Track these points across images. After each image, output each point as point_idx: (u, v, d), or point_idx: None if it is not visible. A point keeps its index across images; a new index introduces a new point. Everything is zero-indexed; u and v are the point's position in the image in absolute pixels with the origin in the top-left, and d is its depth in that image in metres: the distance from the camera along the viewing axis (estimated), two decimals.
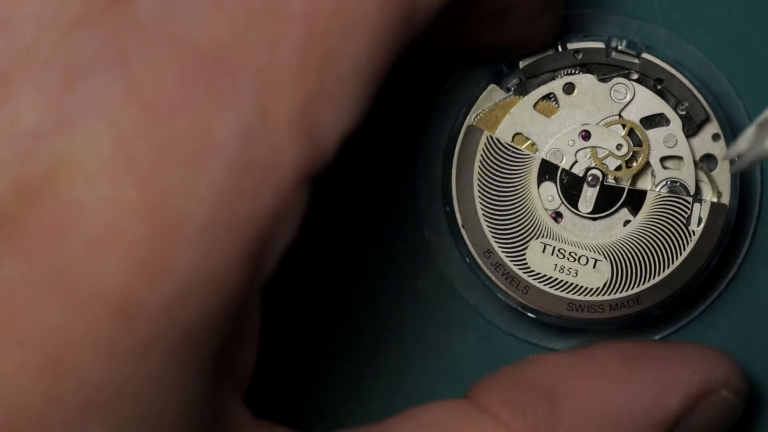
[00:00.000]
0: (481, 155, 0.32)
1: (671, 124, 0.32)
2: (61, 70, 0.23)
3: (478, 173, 0.32)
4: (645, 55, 0.32)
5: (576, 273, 0.32)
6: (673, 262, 0.32)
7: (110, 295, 0.22)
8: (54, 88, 0.23)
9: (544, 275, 0.32)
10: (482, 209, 0.32)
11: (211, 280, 0.23)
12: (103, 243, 0.22)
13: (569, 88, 0.32)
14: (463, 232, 0.32)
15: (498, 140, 0.32)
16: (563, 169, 0.32)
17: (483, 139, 0.32)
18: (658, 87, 0.32)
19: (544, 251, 0.32)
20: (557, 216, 0.32)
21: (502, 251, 0.32)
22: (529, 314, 0.32)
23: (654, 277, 0.32)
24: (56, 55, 0.23)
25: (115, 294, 0.22)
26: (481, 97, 0.32)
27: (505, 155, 0.32)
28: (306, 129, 0.24)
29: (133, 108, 0.23)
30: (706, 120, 0.32)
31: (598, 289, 0.32)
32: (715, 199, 0.32)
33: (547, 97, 0.32)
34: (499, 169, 0.32)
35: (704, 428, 0.30)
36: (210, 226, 0.23)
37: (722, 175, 0.32)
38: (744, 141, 0.25)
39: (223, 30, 0.23)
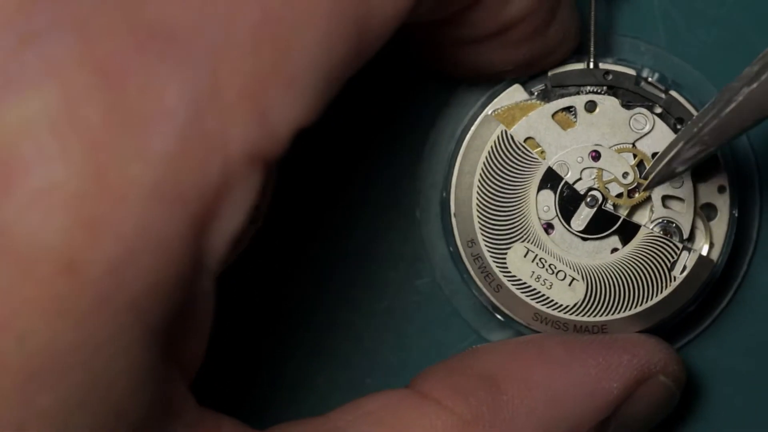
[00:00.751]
0: (491, 147, 0.32)
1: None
2: (15, 32, 0.23)
3: (483, 163, 0.32)
4: (672, 92, 0.32)
5: (551, 286, 0.32)
6: (647, 302, 0.32)
7: (54, 252, 0.22)
8: (6, 48, 0.23)
9: (519, 279, 0.32)
10: (477, 199, 0.32)
11: (155, 245, 0.23)
12: (47, 200, 0.22)
13: (591, 106, 0.32)
14: (453, 220, 0.32)
15: (512, 137, 0.32)
16: (566, 183, 0.32)
17: (497, 132, 0.32)
18: (678, 126, 0.32)
19: (525, 256, 0.32)
20: (549, 227, 0.32)
21: (485, 244, 0.32)
22: (498, 315, 0.32)
23: (625, 311, 0.32)
24: (12, 18, 0.23)
25: (59, 252, 0.22)
26: (504, 93, 0.32)
27: (514, 153, 0.32)
28: (258, 109, 0.24)
29: (85, 71, 0.23)
30: (717, 170, 0.32)
31: (567, 307, 0.32)
32: (705, 251, 0.32)
33: (568, 109, 0.32)
34: (504, 164, 0.32)
35: (643, 413, 0.30)
36: (156, 190, 0.23)
37: (719, 227, 0.32)
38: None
39: (178, 10, 0.23)
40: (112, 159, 0.23)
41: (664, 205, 0.32)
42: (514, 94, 0.32)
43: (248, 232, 0.31)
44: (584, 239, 0.32)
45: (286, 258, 0.34)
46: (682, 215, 0.32)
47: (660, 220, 0.32)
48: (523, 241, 0.32)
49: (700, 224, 0.32)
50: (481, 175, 0.32)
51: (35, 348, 0.23)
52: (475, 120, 0.32)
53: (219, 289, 0.32)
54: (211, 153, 0.24)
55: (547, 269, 0.32)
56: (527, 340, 0.30)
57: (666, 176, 0.30)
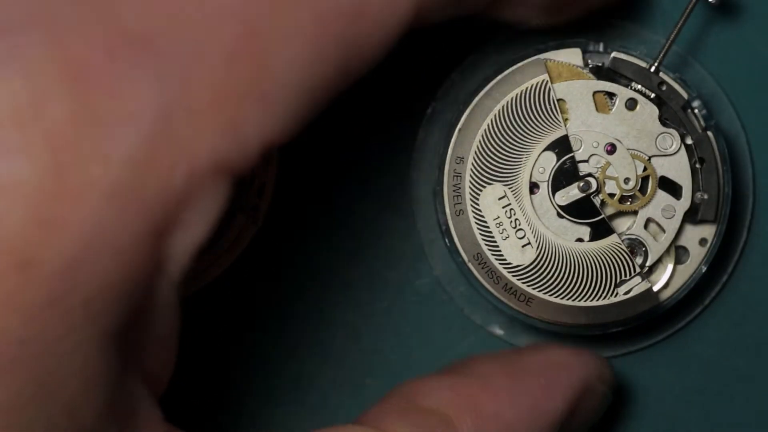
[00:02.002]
0: (516, 96, 0.32)
1: (680, 201, 0.32)
2: None
3: (497, 114, 0.32)
4: (710, 133, 0.32)
5: (506, 237, 0.32)
6: (580, 300, 0.32)
7: (10, 247, 0.22)
8: None
9: (483, 217, 0.32)
10: (479, 143, 0.32)
11: (112, 247, 0.23)
12: (5, 191, 0.22)
13: (631, 104, 0.32)
14: (455, 134, 0.32)
15: (551, 88, 0.32)
16: (573, 157, 0.32)
17: (536, 80, 0.32)
18: (697, 165, 0.32)
19: (500, 199, 0.32)
20: (534, 186, 0.32)
21: (472, 169, 0.32)
22: (446, 240, 0.32)
23: (555, 296, 0.32)
24: None
25: (14, 247, 0.22)
26: (563, 50, 0.32)
27: (542, 104, 0.32)
28: (228, 121, 0.24)
29: (54, 69, 0.23)
30: (711, 221, 0.32)
31: (509, 264, 0.32)
32: (657, 287, 0.32)
33: (610, 95, 0.32)
34: (525, 110, 0.32)
35: (585, 420, 0.31)
36: (117, 192, 0.23)
37: (683, 274, 0.32)
38: None
39: (156, 18, 0.23)
40: (74, 158, 0.23)
41: (645, 226, 0.32)
42: (572, 56, 0.32)
43: (249, 232, 0.32)
44: (559, 215, 0.32)
45: (285, 258, 0.34)
46: (656, 244, 0.32)
47: (634, 237, 0.32)
48: (505, 185, 0.32)
49: (667, 261, 0.32)
50: (489, 124, 0.32)
51: None
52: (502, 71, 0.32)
53: (218, 289, 0.33)
54: (176, 160, 0.23)
55: (511, 221, 0.32)
56: (466, 371, 0.30)
57: None
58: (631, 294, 0.32)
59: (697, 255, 0.32)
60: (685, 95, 0.32)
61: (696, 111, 0.32)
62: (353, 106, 0.34)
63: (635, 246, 0.32)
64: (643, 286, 0.32)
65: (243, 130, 0.24)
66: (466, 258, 0.32)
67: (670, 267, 0.32)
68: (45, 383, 0.23)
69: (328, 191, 0.34)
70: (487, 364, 0.31)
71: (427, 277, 0.34)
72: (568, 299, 0.32)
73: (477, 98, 0.32)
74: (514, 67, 0.32)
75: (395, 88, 0.34)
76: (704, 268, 0.32)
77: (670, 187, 0.32)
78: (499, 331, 0.34)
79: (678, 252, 0.32)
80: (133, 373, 0.25)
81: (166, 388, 0.27)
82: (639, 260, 0.32)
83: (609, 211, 0.32)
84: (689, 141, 0.32)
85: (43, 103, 0.23)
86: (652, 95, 0.32)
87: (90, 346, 0.23)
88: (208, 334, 0.34)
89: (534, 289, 0.32)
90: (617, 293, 0.32)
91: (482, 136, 0.32)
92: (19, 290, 0.23)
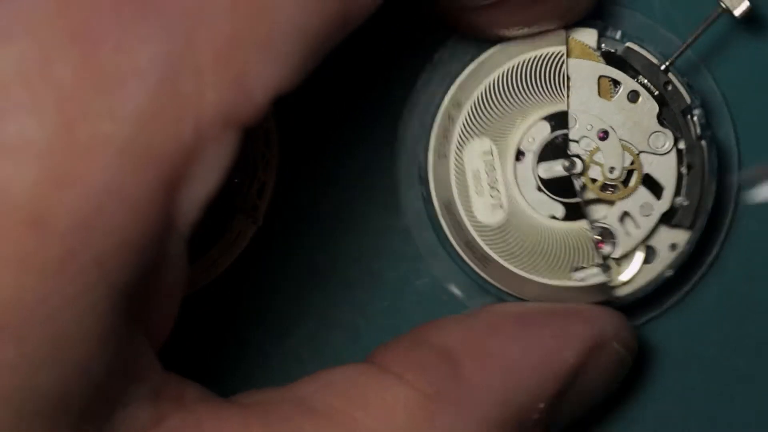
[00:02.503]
0: (530, 58, 0.32)
1: (660, 201, 0.32)
2: None
3: (507, 70, 0.32)
4: (703, 142, 0.32)
5: (480, 193, 0.32)
6: (533, 274, 0.32)
7: (21, 204, 0.23)
8: None
9: (462, 166, 0.32)
10: (481, 92, 0.32)
11: (124, 202, 0.23)
12: (16, 151, 0.23)
13: (633, 97, 0.32)
14: (454, 84, 0.32)
15: (567, 59, 0.32)
16: (566, 134, 0.32)
17: (550, 50, 0.32)
18: (684, 170, 0.32)
19: (484, 153, 0.32)
20: (521, 154, 0.32)
21: (463, 124, 0.32)
22: (423, 189, 0.32)
23: (512, 263, 0.32)
24: None
25: (26, 204, 0.23)
26: (580, 30, 0.32)
27: (552, 72, 0.32)
28: (234, 72, 0.24)
29: (60, 29, 0.23)
30: (686, 228, 0.32)
31: (474, 219, 0.32)
32: (617, 282, 0.32)
33: (615, 83, 0.32)
34: (533, 76, 0.32)
35: (598, 380, 0.31)
36: (127, 148, 0.23)
37: (646, 274, 0.32)
38: None
39: None
40: (83, 116, 0.23)
41: (620, 219, 0.32)
42: (587, 36, 0.32)
43: (248, 232, 0.32)
44: (538, 188, 0.32)
45: (285, 258, 0.34)
46: (626, 239, 0.32)
47: (606, 227, 0.32)
48: (494, 142, 0.32)
49: (636, 259, 0.32)
50: (492, 85, 0.32)
51: (0, 300, 0.23)
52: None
53: (218, 289, 0.33)
54: (184, 114, 0.24)
55: (489, 179, 0.32)
56: (479, 315, 0.31)
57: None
58: (586, 282, 0.32)
59: (665, 258, 0.32)
60: (688, 100, 0.32)
61: (695, 118, 0.32)
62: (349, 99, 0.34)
63: (605, 235, 0.32)
64: (599, 278, 0.32)
65: (249, 80, 0.24)
66: (436, 202, 0.32)
67: (636, 265, 0.32)
68: (59, 343, 0.23)
69: (328, 191, 0.34)
70: (501, 310, 0.31)
71: (427, 277, 0.34)
72: (524, 270, 0.32)
73: (491, 50, 0.32)
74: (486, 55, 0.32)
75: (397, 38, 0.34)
76: (670, 273, 0.32)
77: (652, 185, 0.32)
78: (456, 291, 0.34)
79: (648, 252, 0.32)
80: (138, 327, 0.25)
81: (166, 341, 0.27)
82: (607, 249, 0.32)
83: (588, 195, 0.32)
84: (681, 146, 0.32)
85: (50, 62, 0.23)
86: (656, 93, 0.32)
87: (104, 304, 0.24)
88: (207, 333, 0.34)
89: (493, 251, 0.32)
90: (572, 278, 0.32)
91: (486, 86, 0.32)
92: (34, 249, 0.23)
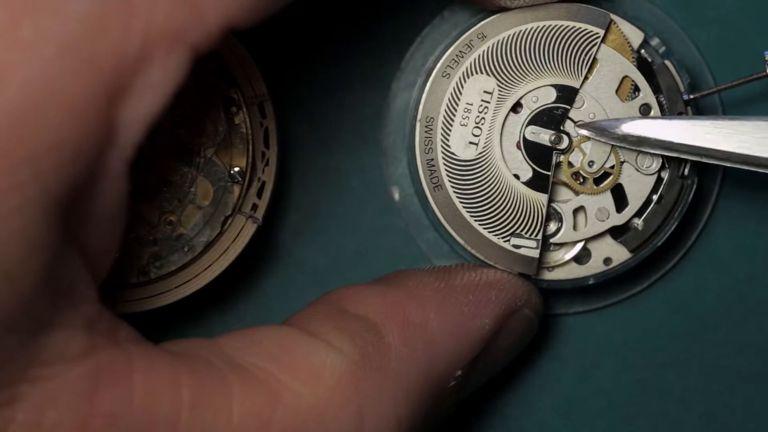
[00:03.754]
0: (563, 27, 0.32)
1: (619, 215, 0.32)
2: None
3: (536, 28, 0.32)
4: (687, 182, 0.32)
5: (464, 125, 0.32)
6: (474, 222, 0.32)
7: None
8: None
9: (459, 95, 0.32)
10: (506, 38, 0.32)
11: (63, 102, 0.23)
12: None
13: (645, 110, 0.32)
14: (461, 39, 0.32)
15: (592, 40, 0.32)
16: (567, 109, 0.32)
17: (586, 27, 0.32)
18: (654, 197, 0.32)
19: (483, 91, 0.32)
20: (518, 107, 0.32)
21: (477, 58, 0.32)
22: (416, 114, 0.33)
23: (461, 204, 0.32)
24: None
25: None
26: (624, 25, 0.32)
27: (580, 49, 0.32)
28: None
29: None
30: (629, 249, 0.32)
31: (445, 149, 0.32)
32: (542, 264, 0.32)
33: (635, 88, 0.32)
34: (559, 43, 0.32)
35: (510, 344, 0.32)
36: (71, 48, 0.23)
37: (569, 272, 0.32)
38: None
39: None
40: (27, 10, 0.23)
41: (575, 211, 0.32)
42: (633, 34, 0.32)
43: (248, 232, 0.32)
44: (518, 146, 0.32)
45: (285, 258, 0.34)
46: (570, 231, 0.32)
47: (558, 212, 0.32)
48: (499, 85, 0.32)
49: (569, 253, 0.32)
50: (531, 29, 0.32)
51: None
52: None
53: (218, 289, 0.33)
54: (133, 22, 0.23)
55: (480, 116, 0.32)
56: (395, 281, 0.31)
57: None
58: (517, 251, 0.32)
59: (594, 267, 0.32)
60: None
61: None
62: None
63: (554, 218, 0.32)
64: (531, 252, 0.32)
65: (203, 3, 0.24)
66: (420, 114, 0.32)
67: (566, 258, 0.32)
68: None
69: (328, 191, 0.34)
70: (417, 277, 0.31)
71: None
72: (468, 214, 0.32)
73: (530, 7, 0.32)
74: (583, 5, 0.32)
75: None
76: (590, 281, 0.32)
77: (619, 197, 0.32)
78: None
79: (582, 252, 0.32)
80: (73, 247, 0.25)
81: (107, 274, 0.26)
82: (550, 228, 0.32)
83: (559, 175, 0.32)
84: (664, 174, 0.32)
85: None
86: (669, 114, 0.32)
87: (35, 206, 0.23)
88: (207, 333, 0.34)
89: (449, 180, 0.32)
90: (509, 240, 0.32)
91: (513, 35, 0.32)
92: None
